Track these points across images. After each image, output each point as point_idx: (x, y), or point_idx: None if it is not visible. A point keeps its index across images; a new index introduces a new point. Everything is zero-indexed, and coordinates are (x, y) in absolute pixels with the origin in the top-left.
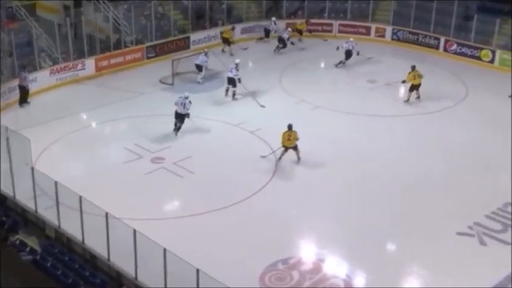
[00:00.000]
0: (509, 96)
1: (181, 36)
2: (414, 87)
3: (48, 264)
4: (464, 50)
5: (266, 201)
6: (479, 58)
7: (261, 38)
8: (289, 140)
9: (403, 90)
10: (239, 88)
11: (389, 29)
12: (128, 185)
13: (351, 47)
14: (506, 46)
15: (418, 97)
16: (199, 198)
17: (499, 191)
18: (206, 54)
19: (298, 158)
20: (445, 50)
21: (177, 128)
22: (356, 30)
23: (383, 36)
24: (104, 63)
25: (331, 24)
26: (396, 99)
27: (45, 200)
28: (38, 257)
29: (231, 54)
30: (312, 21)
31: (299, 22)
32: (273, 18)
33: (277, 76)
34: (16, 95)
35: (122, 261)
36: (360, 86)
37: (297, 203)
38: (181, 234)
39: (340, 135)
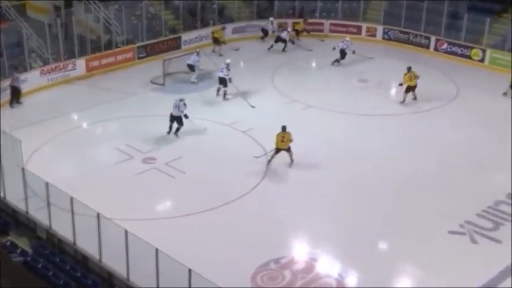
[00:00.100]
0: (503, 93)
1: (172, 36)
2: (410, 88)
3: (40, 266)
4: (454, 49)
5: (258, 201)
6: (469, 57)
7: (262, 38)
8: (283, 142)
9: (394, 89)
10: (230, 88)
11: (380, 29)
12: (119, 186)
13: (345, 46)
14: (496, 45)
15: (415, 98)
16: (191, 199)
17: (489, 190)
18: (198, 54)
19: (291, 160)
20: (436, 49)
21: (175, 130)
22: (347, 29)
23: (374, 35)
24: (95, 63)
25: (322, 24)
26: (388, 98)
27: (36, 201)
28: (29, 258)
29: (220, 55)
30: (299, 20)
31: (289, 21)
32: (271, 18)
33: (270, 76)
34: (7, 95)
35: (113, 262)
36: (352, 86)
37: (289, 203)
38: (173, 235)
39: (333, 134)
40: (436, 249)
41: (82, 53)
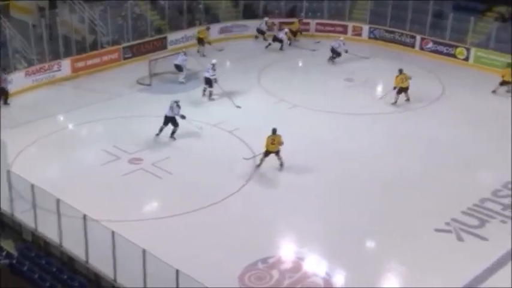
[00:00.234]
0: (492, 91)
1: (158, 37)
2: (402, 90)
3: (25, 268)
4: (439, 48)
5: (245, 202)
6: (454, 56)
7: (256, 37)
8: (273, 144)
9: (380, 88)
10: (216, 88)
11: (366, 28)
12: (106, 187)
13: (337, 45)
14: (481, 44)
15: (408, 99)
16: (178, 199)
17: (475, 187)
18: (185, 54)
19: (281, 164)
20: (421, 48)
21: (171, 133)
22: (333, 29)
23: (360, 34)
24: (80, 64)
25: (308, 23)
26: (374, 97)
27: (22, 203)
28: (14, 261)
29: (203, 55)
30: (289, 20)
31: (276, 21)
32: (266, 18)
33: (256, 76)
34: None
35: (100, 263)
36: (338, 85)
37: (276, 203)
38: (160, 235)
39: (319, 134)
40: (423, 247)
41: (67, 53)
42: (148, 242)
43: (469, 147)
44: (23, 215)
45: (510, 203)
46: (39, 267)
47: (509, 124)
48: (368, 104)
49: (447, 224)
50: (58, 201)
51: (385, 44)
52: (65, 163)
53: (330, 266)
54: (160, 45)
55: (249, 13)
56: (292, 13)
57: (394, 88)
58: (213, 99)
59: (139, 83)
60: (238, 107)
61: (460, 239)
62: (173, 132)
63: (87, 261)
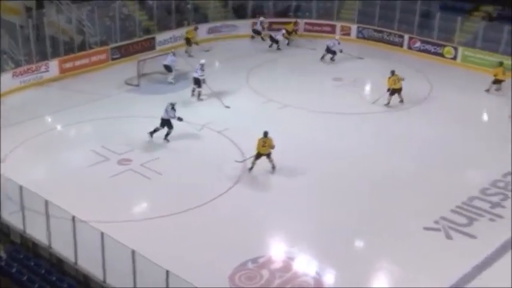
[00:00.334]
0: (485, 90)
1: (146, 37)
2: (395, 91)
3: (14, 270)
4: (427, 47)
5: (235, 202)
6: (442, 55)
7: (252, 37)
8: (264, 147)
9: (369, 87)
10: (205, 88)
11: (354, 28)
12: (95, 188)
13: (331, 44)
14: (468, 43)
15: (402, 101)
16: (168, 200)
17: (463, 186)
18: (174, 54)
19: (273, 167)
20: (409, 47)
21: (165, 135)
22: (321, 28)
23: (348, 34)
24: (68, 65)
25: (296, 23)
26: (362, 96)
27: (10, 205)
28: (3, 263)
29: (190, 56)
30: (277, 20)
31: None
32: (261, 18)
33: (245, 76)
34: None
35: (89, 264)
36: (327, 84)
37: (266, 202)
38: (149, 236)
39: (309, 133)
40: (412, 245)
41: (55, 54)
42: (138, 243)
43: (457, 146)
44: (11, 217)
45: (498, 201)
46: (28, 269)
47: (497, 122)
48: (357, 103)
49: (436, 222)
50: (46, 202)
51: (373, 44)
52: (53, 164)
53: (320, 265)
54: (149, 45)
55: (239, 13)
56: (284, 13)
57: (388, 90)
58: (201, 100)
59: (127, 83)
60: (227, 107)
61: (448, 237)
62: (167, 134)
63: (76, 263)
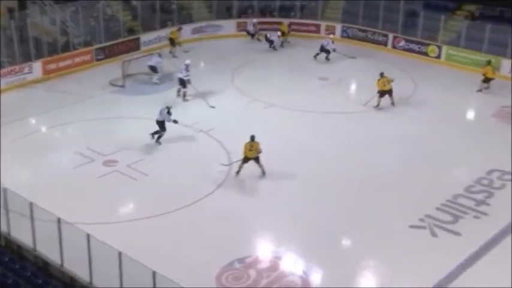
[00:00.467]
0: (477, 91)
1: (131, 38)
2: (385, 93)
3: None
4: (412, 46)
5: (221, 202)
6: (426, 54)
7: (257, 39)
8: (251, 151)
9: (354, 86)
10: (190, 89)
11: (338, 27)
12: (80, 190)
13: (325, 43)
14: (452, 42)
15: (393, 103)
16: (154, 201)
17: (448, 184)
18: (160, 55)
19: (263, 172)
20: (394, 46)
21: (157, 137)
22: (306, 28)
23: (333, 33)
24: (52, 66)
25: (281, 23)
26: (347, 96)
27: None
28: None
29: (174, 56)
30: (263, 20)
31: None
32: (254, 20)
33: (230, 76)
34: None
35: (75, 266)
36: (312, 84)
37: (252, 203)
38: (136, 237)
39: (294, 133)
40: (398, 243)
41: (38, 55)
42: (124, 244)
43: (441, 144)
44: None
45: (483, 198)
46: (13, 272)
47: (481, 120)
48: (342, 102)
49: (421, 220)
50: (31, 204)
51: (358, 43)
52: (38, 166)
53: (307, 264)
54: (133, 46)
55: (223, 13)
56: (269, 13)
57: (378, 92)
58: (187, 100)
59: (112, 84)
60: (213, 107)
61: (434, 234)
62: (159, 137)
63: (62, 265)
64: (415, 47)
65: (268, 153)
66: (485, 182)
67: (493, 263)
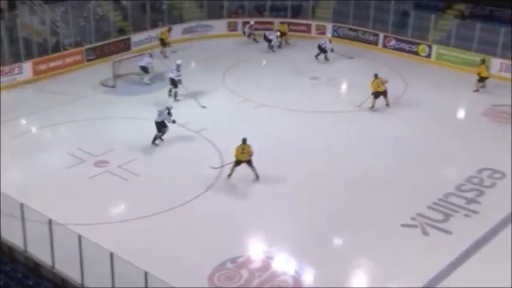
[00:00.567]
0: (473, 91)
1: (121, 38)
2: (380, 94)
3: None
4: (402, 45)
5: (213, 202)
6: (416, 53)
7: (254, 40)
8: (243, 154)
9: (345, 86)
10: (180, 89)
11: (329, 27)
12: (71, 190)
13: (322, 42)
14: (442, 41)
15: (387, 104)
16: (146, 201)
17: (439, 182)
18: (151, 55)
19: (257, 176)
20: (384, 45)
21: (153, 139)
22: (297, 27)
23: (324, 33)
24: (42, 66)
25: (272, 23)
26: (338, 95)
27: None
28: None
29: (165, 56)
30: (257, 20)
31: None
32: (252, 22)
33: (221, 76)
34: None
35: (67, 267)
36: (303, 83)
37: (244, 202)
38: (127, 238)
39: (286, 132)
40: (390, 242)
41: (28, 56)
42: (116, 245)
43: (432, 143)
44: None
45: (473, 197)
46: (4, 274)
47: (472, 119)
48: (333, 102)
49: (413, 218)
50: (22, 205)
51: (348, 42)
52: (29, 167)
53: (299, 264)
54: (124, 46)
55: (214, 13)
56: (259, 12)
57: (373, 94)
58: (178, 100)
59: (103, 84)
60: (204, 107)
61: (425, 233)
62: (155, 138)
63: (53, 266)
64: (406, 46)
65: (259, 152)
66: (475, 180)
67: (484, 261)
